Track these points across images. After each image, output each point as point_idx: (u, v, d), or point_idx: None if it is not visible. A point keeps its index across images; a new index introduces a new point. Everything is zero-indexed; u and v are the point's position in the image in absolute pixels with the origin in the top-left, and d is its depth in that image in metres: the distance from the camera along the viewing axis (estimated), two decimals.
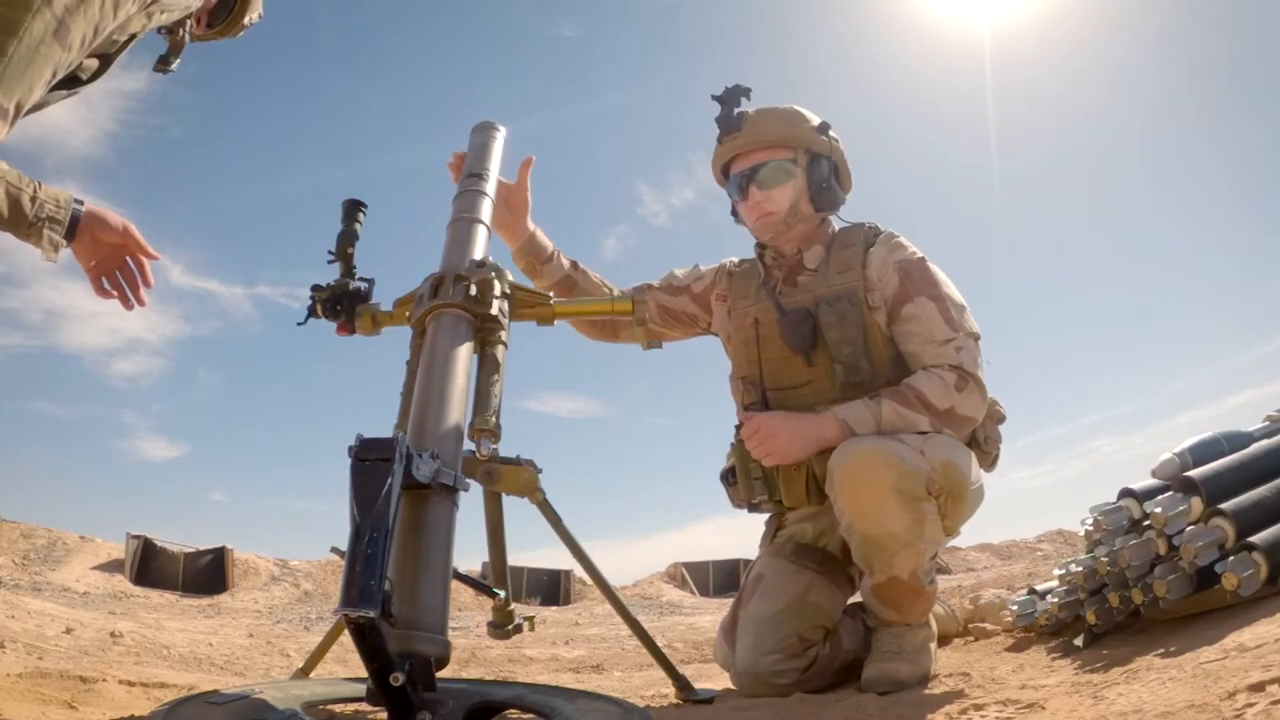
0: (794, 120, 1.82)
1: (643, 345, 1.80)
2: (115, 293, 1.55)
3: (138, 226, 1.53)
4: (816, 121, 1.83)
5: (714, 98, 1.82)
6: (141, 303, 1.56)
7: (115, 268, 1.54)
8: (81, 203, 1.43)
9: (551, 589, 12.67)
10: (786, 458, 1.64)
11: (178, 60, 1.46)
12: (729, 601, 1.97)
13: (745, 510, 1.88)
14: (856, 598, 1.76)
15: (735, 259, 2.00)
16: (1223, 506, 1.39)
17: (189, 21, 1.40)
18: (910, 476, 1.49)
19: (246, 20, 1.54)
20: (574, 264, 2.00)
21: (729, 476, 1.87)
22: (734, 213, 1.93)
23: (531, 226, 1.95)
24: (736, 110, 1.81)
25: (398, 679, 0.95)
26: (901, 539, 1.51)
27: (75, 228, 1.42)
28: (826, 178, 1.81)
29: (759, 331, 1.81)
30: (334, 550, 1.25)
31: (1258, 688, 0.86)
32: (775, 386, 1.78)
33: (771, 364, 1.78)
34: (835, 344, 1.69)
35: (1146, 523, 1.53)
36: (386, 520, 0.97)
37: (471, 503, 1.73)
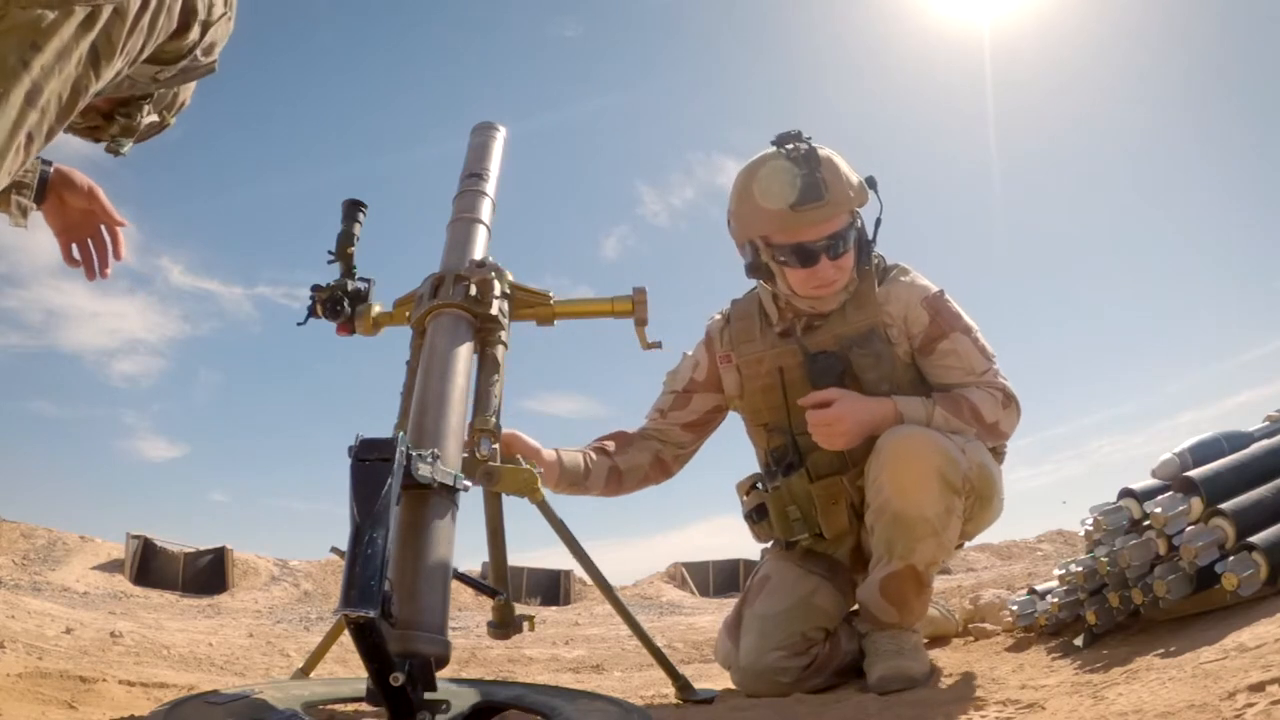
0: (851, 180, 1.69)
1: (642, 345, 1.80)
2: (83, 262, 1.51)
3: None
4: (864, 177, 1.73)
5: (779, 147, 1.66)
6: (104, 275, 1.51)
7: (87, 235, 1.49)
8: (50, 164, 1.39)
9: (551, 589, 12.67)
10: (849, 445, 1.64)
11: (130, 144, 1.39)
12: (729, 602, 1.98)
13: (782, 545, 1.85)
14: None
15: (717, 315, 1.94)
16: (1223, 506, 1.39)
17: (146, 106, 1.33)
18: (954, 465, 1.53)
19: (120, 149, 1.41)
20: (600, 449, 1.87)
21: (754, 515, 1.85)
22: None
23: (552, 455, 1.76)
24: (812, 172, 1.62)
25: (398, 679, 0.95)
26: (930, 525, 1.52)
27: (44, 189, 1.38)
28: (871, 235, 1.77)
29: (784, 377, 1.77)
30: (334, 550, 1.25)
31: (1258, 688, 0.86)
32: (804, 430, 1.72)
33: (798, 407, 1.73)
34: (873, 384, 1.68)
35: (1146, 523, 1.53)
36: (386, 520, 0.97)
37: (472, 503, 1.73)
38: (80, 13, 0.98)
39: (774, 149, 1.68)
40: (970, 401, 1.67)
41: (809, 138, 1.67)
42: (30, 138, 0.97)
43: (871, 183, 1.72)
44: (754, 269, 1.75)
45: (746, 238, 1.73)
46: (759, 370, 1.80)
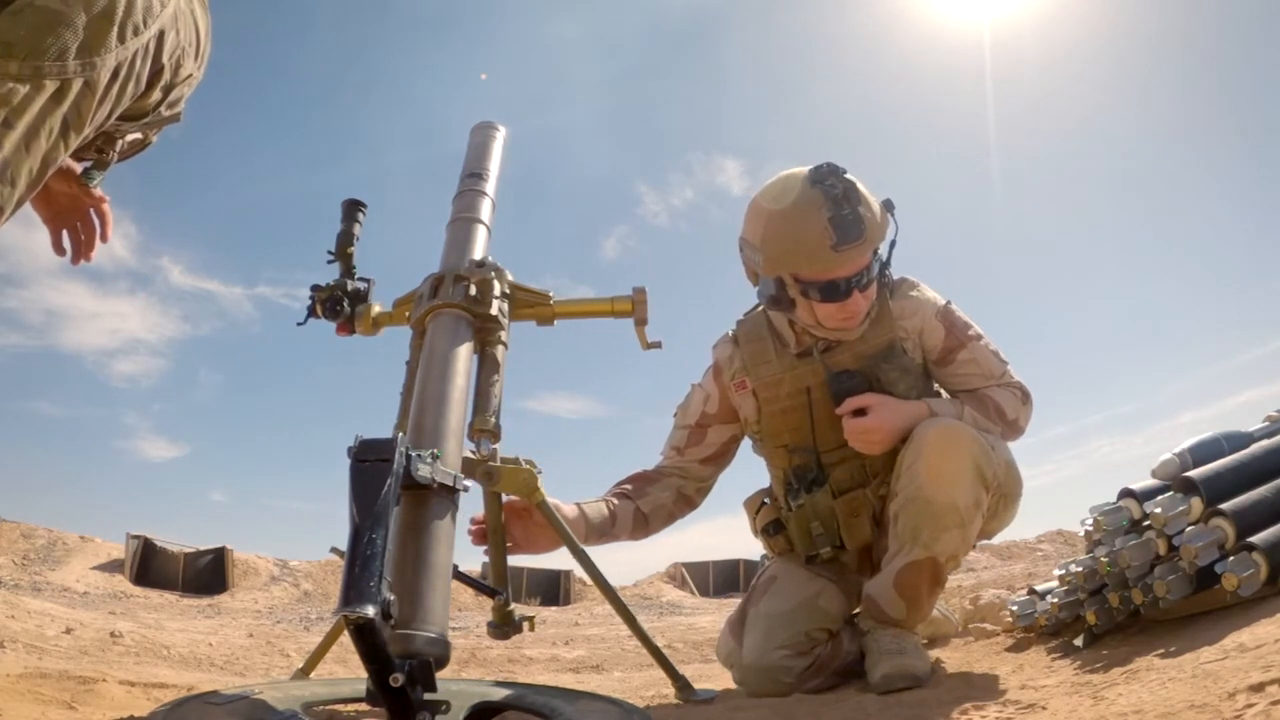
0: (876, 209, 1.65)
1: (642, 345, 1.80)
2: (72, 247, 1.50)
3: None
4: (881, 200, 1.69)
5: (816, 184, 1.59)
6: (87, 258, 1.50)
7: (76, 220, 1.48)
8: None
9: (551, 589, 12.69)
10: (886, 449, 1.65)
11: (101, 176, 1.39)
12: (729, 602, 1.98)
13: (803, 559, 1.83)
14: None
15: (723, 343, 1.91)
16: (1223, 507, 1.39)
17: (120, 141, 1.33)
18: (988, 458, 1.55)
19: (91, 181, 1.40)
20: (621, 494, 1.86)
21: (770, 529, 1.85)
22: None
23: (574, 510, 1.74)
24: (854, 210, 1.58)
25: (397, 680, 0.95)
26: (959, 515, 1.53)
27: None
28: (887, 258, 1.74)
29: (811, 397, 1.75)
30: (334, 551, 1.25)
31: (1258, 688, 0.86)
32: (829, 448, 1.74)
33: (824, 425, 1.74)
34: (903, 396, 1.69)
35: (1146, 523, 1.53)
36: (386, 521, 0.96)
37: (472, 503, 1.73)
38: (50, 87, 0.99)
39: (808, 183, 1.61)
40: (995, 400, 1.71)
41: (844, 170, 1.62)
42: (0, 211, 0.98)
43: (890, 206, 1.69)
44: (776, 302, 1.70)
45: (774, 273, 1.66)
46: (779, 392, 1.79)
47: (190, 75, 1.27)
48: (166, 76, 1.20)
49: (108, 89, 1.07)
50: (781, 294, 1.68)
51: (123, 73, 1.09)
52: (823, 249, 1.58)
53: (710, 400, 1.90)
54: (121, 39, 1.06)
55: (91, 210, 1.49)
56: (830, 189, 1.58)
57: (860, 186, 1.63)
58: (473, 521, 1.69)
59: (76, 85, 1.02)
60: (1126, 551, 1.50)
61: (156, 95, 1.22)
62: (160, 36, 1.14)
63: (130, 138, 1.34)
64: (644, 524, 1.85)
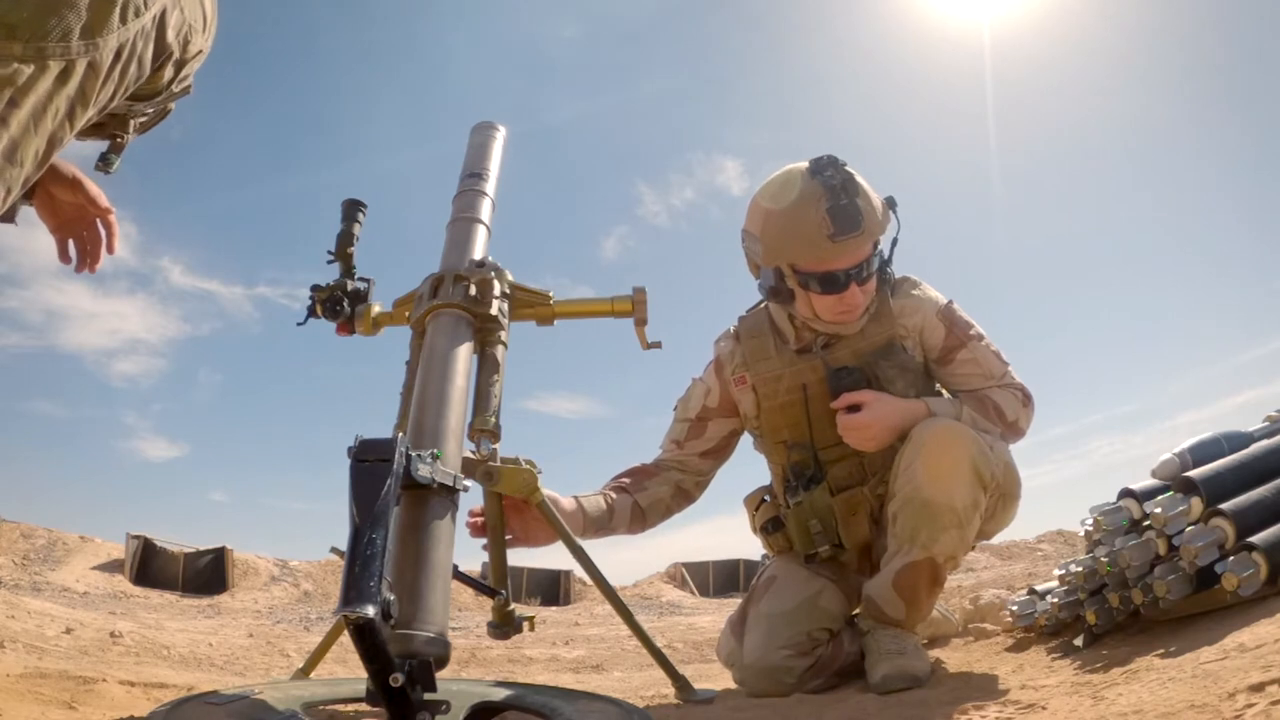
0: (877, 204, 1.66)
1: (642, 345, 1.79)
2: (77, 257, 1.50)
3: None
4: (884, 198, 1.71)
5: (815, 175, 1.61)
6: (91, 269, 1.51)
7: (81, 230, 1.48)
8: None
9: (551, 589, 12.68)
10: (880, 446, 1.65)
11: (119, 160, 1.39)
12: (729, 602, 1.98)
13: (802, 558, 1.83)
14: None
15: (724, 338, 1.92)
16: (1223, 507, 1.39)
17: (132, 123, 1.33)
18: (986, 458, 1.55)
19: (110, 167, 1.39)
20: (619, 488, 1.86)
21: (769, 527, 1.86)
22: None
23: (572, 504, 1.74)
24: (852, 201, 1.59)
25: (397, 680, 0.95)
26: (957, 515, 1.53)
27: (32, 185, 1.36)
28: (888, 255, 1.75)
29: (807, 393, 1.76)
30: (334, 551, 1.25)
31: (1258, 688, 0.86)
32: (827, 445, 1.75)
33: (821, 422, 1.74)
34: (901, 394, 1.70)
35: (1146, 523, 1.53)
36: (386, 521, 0.97)
37: (472, 503, 1.73)
38: (55, 68, 0.99)
39: (807, 174, 1.62)
40: (994, 401, 1.71)
41: (844, 163, 1.63)
42: (8, 191, 0.98)
43: (892, 203, 1.70)
44: (775, 293, 1.72)
45: (773, 263, 1.68)
46: (778, 388, 1.79)
47: (200, 51, 1.28)
48: (176, 54, 1.20)
49: (110, 70, 1.07)
50: (780, 285, 1.69)
51: (125, 53, 1.09)
52: (820, 239, 1.59)
53: (711, 394, 1.90)
54: (124, 20, 1.06)
55: (98, 220, 1.49)
56: (829, 180, 1.60)
57: (859, 179, 1.63)
58: (471, 514, 1.68)
59: (81, 66, 1.02)
60: (1126, 551, 1.50)
61: (169, 73, 1.22)
62: (162, 16, 1.14)
63: (146, 111, 1.35)
64: (641, 518, 1.86)
